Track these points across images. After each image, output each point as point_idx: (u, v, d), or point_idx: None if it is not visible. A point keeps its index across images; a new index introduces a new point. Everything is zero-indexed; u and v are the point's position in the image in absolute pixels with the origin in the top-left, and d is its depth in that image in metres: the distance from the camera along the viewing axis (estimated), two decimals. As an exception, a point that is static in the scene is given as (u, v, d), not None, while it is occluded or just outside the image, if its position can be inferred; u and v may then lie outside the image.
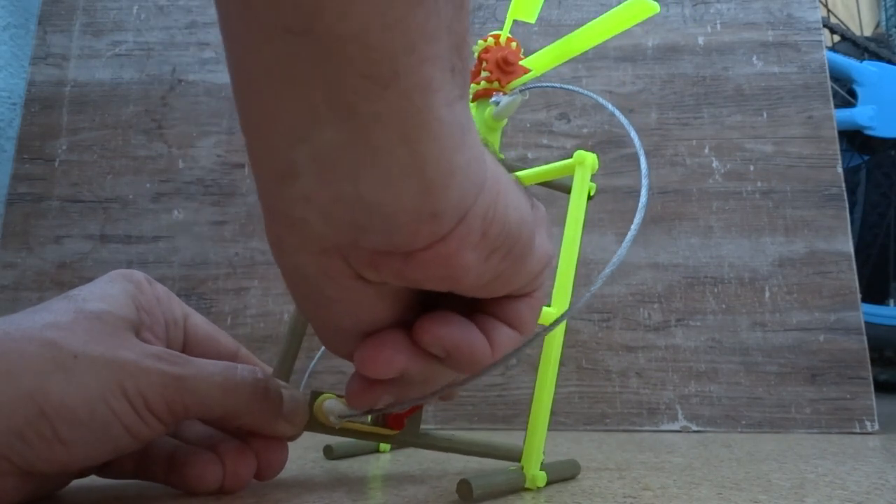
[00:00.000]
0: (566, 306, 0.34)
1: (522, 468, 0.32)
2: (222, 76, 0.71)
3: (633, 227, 0.25)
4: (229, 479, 0.29)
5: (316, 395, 0.31)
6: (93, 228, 0.67)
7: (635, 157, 0.67)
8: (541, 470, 0.32)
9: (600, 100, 0.34)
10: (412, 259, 0.19)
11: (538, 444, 0.32)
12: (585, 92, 0.35)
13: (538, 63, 0.38)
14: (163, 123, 0.70)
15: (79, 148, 0.69)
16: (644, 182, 0.27)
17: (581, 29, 0.37)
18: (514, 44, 0.39)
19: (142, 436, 0.26)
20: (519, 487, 0.32)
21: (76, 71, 0.71)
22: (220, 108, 0.70)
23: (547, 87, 0.38)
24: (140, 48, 0.72)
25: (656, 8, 0.36)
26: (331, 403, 0.30)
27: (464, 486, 0.29)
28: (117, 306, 0.28)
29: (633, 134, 0.29)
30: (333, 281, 0.20)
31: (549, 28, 0.69)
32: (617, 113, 0.31)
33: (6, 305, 0.65)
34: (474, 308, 0.24)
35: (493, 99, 0.38)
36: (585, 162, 0.36)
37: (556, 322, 0.26)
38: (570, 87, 0.37)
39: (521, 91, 0.37)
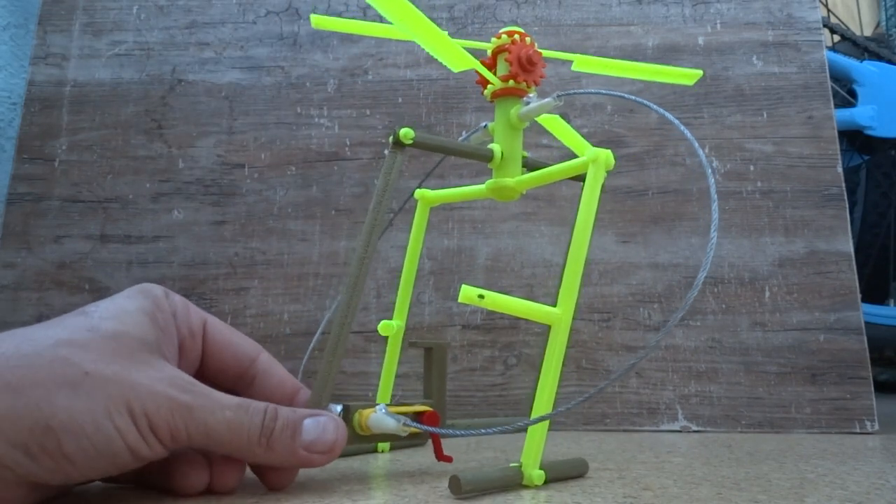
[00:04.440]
0: (573, 306, 0.34)
1: (521, 465, 0.32)
2: (222, 76, 0.71)
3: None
4: (215, 486, 0.29)
5: (350, 408, 0.31)
6: (93, 228, 0.67)
7: (635, 157, 0.67)
8: (540, 469, 0.32)
9: (657, 108, 0.34)
10: None
11: (538, 442, 0.32)
12: (635, 98, 0.35)
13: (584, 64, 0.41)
14: (163, 123, 0.70)
15: (79, 148, 0.69)
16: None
17: (628, 63, 0.42)
18: (528, 39, 0.39)
19: (142, 455, 0.26)
20: (515, 484, 0.31)
21: (76, 71, 0.71)
22: (220, 108, 0.70)
23: (591, 93, 0.38)
24: (140, 48, 0.72)
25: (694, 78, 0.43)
26: (376, 418, 0.31)
27: (454, 481, 0.29)
28: (133, 326, 0.28)
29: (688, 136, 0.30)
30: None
31: (549, 28, 0.69)
32: (671, 117, 0.31)
33: (6, 305, 0.65)
34: None
35: (525, 99, 0.38)
36: (599, 159, 0.34)
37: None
38: (615, 93, 0.37)
39: (558, 96, 0.36)
